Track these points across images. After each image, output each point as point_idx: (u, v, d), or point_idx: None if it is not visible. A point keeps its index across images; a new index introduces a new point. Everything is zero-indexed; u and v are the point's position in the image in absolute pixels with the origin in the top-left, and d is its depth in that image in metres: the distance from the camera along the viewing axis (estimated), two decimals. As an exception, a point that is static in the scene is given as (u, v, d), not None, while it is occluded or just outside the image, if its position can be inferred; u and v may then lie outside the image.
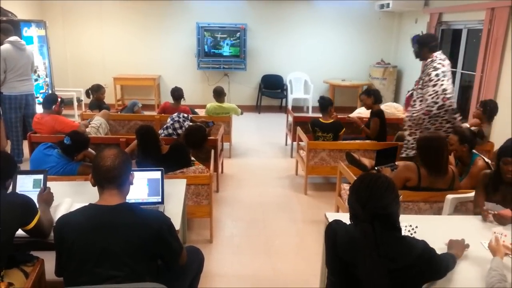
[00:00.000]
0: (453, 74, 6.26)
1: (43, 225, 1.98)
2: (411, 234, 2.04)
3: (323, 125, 4.56)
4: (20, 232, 1.93)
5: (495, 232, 1.99)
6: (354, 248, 1.56)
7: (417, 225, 2.08)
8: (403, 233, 2.02)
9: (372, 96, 4.70)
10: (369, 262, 1.50)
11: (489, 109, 4.10)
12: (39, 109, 4.98)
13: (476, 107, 4.24)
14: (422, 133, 3.55)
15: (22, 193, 2.27)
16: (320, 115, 4.70)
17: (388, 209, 1.55)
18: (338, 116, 4.83)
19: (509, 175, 2.40)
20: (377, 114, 4.67)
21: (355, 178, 1.74)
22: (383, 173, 2.76)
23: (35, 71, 5.74)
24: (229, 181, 4.75)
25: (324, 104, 4.64)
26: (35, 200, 2.19)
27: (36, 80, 5.48)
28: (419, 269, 1.56)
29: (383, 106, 5.52)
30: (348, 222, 1.67)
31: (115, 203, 1.72)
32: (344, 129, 4.65)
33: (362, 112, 5.64)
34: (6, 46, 4.71)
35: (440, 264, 1.67)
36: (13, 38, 4.81)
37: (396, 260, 1.53)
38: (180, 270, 1.99)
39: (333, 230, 1.68)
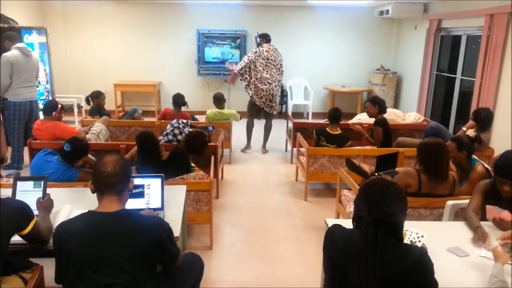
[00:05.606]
0: (453, 80, 6.32)
1: (40, 231, 1.96)
2: (416, 243, 2.00)
3: (330, 136, 4.48)
4: (19, 238, 1.93)
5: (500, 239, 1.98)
6: (347, 253, 1.53)
7: (423, 234, 2.03)
8: (407, 240, 2.00)
9: (377, 106, 4.60)
10: (363, 268, 1.46)
11: (480, 118, 4.09)
12: (41, 116, 5.00)
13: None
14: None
15: (23, 193, 2.28)
16: (322, 123, 4.64)
17: (394, 217, 1.53)
18: (340, 123, 4.75)
19: (505, 195, 2.35)
20: (380, 123, 4.58)
21: (359, 183, 1.72)
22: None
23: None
24: (229, 187, 4.75)
25: (337, 115, 4.53)
26: (35, 203, 2.20)
27: (37, 86, 5.49)
28: (411, 278, 1.49)
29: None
30: (349, 227, 1.65)
31: (115, 210, 1.72)
32: (350, 141, 4.56)
33: (362, 118, 5.64)
34: (13, 52, 4.76)
35: (434, 281, 1.56)
36: (20, 44, 4.88)
37: (389, 267, 1.49)
38: (179, 276, 1.98)
39: (330, 234, 1.67)
